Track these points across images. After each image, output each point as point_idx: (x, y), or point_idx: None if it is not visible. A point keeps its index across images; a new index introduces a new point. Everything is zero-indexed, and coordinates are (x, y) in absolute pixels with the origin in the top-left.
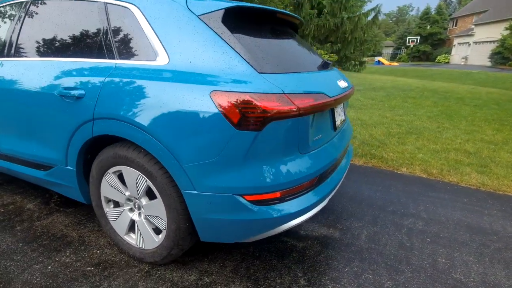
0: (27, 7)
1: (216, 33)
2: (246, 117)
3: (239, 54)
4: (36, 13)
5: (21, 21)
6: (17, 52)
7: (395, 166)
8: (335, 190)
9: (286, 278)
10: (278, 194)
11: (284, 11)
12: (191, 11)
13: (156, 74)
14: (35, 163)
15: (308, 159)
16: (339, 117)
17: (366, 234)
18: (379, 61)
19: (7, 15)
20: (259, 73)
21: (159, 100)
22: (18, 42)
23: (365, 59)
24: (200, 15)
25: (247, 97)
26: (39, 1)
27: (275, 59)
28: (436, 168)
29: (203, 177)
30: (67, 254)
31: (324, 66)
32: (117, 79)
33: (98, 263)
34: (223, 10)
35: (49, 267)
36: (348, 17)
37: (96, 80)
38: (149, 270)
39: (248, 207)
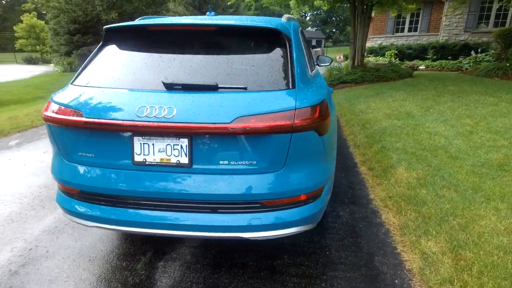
0: None
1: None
2: None
3: (86, 68)
4: None
5: None
6: None
7: None
8: (131, 230)
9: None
10: (59, 185)
11: (158, 22)
12: None
13: None
14: None
15: (67, 168)
16: (152, 152)
17: None
18: None
19: None
20: (69, 83)
21: None
22: None
23: None
24: None
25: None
26: None
27: (105, 74)
28: None
29: None
30: None
31: (171, 87)
32: None
33: None
34: (106, 30)
35: None
36: None
37: None
38: None
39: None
